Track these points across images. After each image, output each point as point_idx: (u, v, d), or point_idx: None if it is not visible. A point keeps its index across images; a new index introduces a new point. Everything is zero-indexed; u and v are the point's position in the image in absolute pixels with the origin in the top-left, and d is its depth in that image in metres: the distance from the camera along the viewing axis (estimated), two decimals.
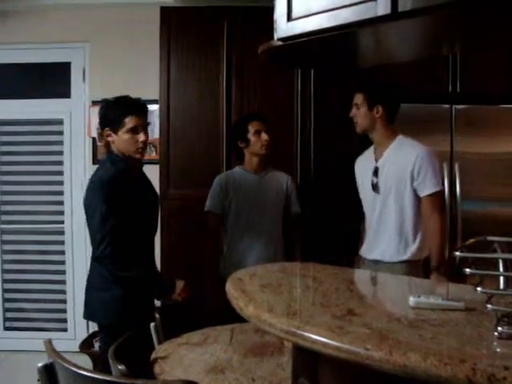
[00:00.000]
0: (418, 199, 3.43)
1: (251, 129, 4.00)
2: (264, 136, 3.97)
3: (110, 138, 3.28)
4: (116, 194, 3.11)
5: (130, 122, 3.22)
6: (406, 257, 3.44)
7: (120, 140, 3.24)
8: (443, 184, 3.85)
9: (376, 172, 3.52)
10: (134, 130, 3.24)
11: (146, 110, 3.37)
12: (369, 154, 3.69)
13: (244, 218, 4.00)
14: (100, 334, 3.46)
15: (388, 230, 3.48)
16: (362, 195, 3.73)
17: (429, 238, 3.43)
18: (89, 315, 3.39)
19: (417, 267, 3.43)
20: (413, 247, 3.45)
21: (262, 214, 4.00)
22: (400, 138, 3.54)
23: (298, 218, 4.16)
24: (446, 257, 3.63)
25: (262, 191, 4.01)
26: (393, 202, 3.45)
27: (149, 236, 3.48)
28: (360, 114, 3.55)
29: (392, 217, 3.46)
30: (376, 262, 3.50)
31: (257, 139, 3.99)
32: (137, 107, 3.31)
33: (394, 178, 3.45)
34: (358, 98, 3.56)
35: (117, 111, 3.25)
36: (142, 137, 3.26)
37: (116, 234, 3.11)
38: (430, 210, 3.41)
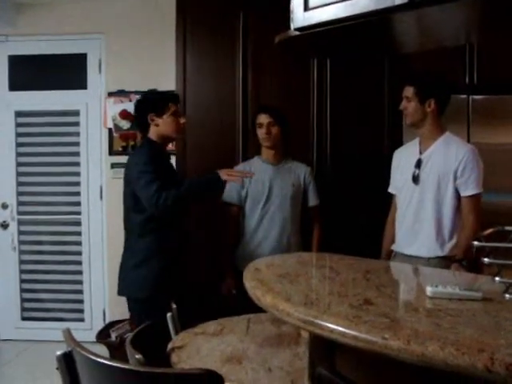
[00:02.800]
0: (457, 197, 3.40)
1: (256, 122, 4.04)
2: (263, 129, 4.00)
3: (154, 122, 3.63)
4: (157, 167, 3.47)
5: (173, 106, 3.67)
6: (443, 253, 3.41)
7: (165, 122, 3.64)
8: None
9: (419, 164, 3.47)
10: (176, 114, 3.69)
11: (179, 99, 3.86)
12: (412, 146, 3.62)
13: (259, 208, 4.00)
14: (134, 309, 3.64)
15: (425, 225, 3.44)
16: (397, 187, 3.68)
17: (461, 233, 3.40)
18: (125, 290, 3.61)
19: (447, 263, 3.38)
20: (450, 244, 3.42)
21: (277, 204, 3.99)
22: (448, 135, 3.50)
23: (315, 210, 4.16)
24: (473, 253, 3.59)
25: (278, 182, 4.00)
26: (431, 195, 3.41)
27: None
28: (411, 108, 3.47)
29: (429, 212, 3.42)
30: (412, 258, 3.44)
31: (259, 132, 4.03)
32: (176, 96, 3.84)
33: (436, 173, 3.40)
34: (409, 91, 3.48)
35: (162, 98, 3.71)
36: (182, 119, 3.76)
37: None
38: (467, 211, 3.39)
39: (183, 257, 3.76)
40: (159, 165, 3.52)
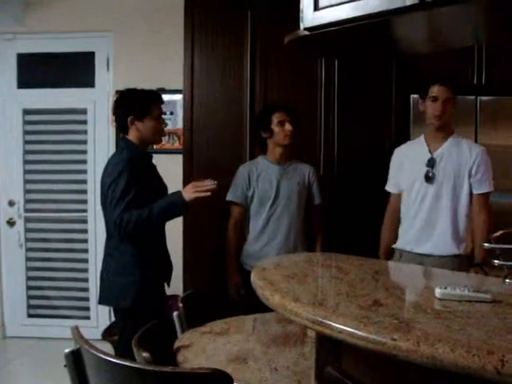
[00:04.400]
0: (471, 195, 3.48)
1: (275, 119, 3.97)
2: (288, 126, 3.94)
3: (133, 126, 3.36)
4: (135, 175, 3.23)
5: (155, 109, 3.40)
6: (458, 251, 3.46)
7: (146, 127, 3.37)
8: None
9: (431, 163, 3.50)
10: (158, 118, 3.43)
11: (162, 100, 3.55)
12: (417, 144, 3.65)
13: (267, 207, 4.00)
14: (117, 318, 3.52)
15: (441, 222, 3.48)
16: (402, 186, 3.69)
17: (475, 233, 3.47)
18: (106, 300, 3.45)
19: (465, 261, 3.46)
20: (465, 242, 3.49)
21: (284, 204, 3.99)
22: (456, 135, 3.57)
23: (319, 209, 4.16)
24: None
25: (285, 182, 4.00)
26: (447, 194, 3.46)
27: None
28: (450, 109, 3.50)
29: (445, 210, 3.47)
30: (423, 256, 3.49)
31: (280, 130, 3.96)
32: (159, 96, 3.50)
33: (452, 171, 3.46)
34: (448, 92, 3.48)
35: (143, 100, 3.39)
36: (164, 123, 3.50)
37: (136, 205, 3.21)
38: (479, 208, 3.47)
39: (164, 266, 3.55)
40: (137, 171, 3.26)
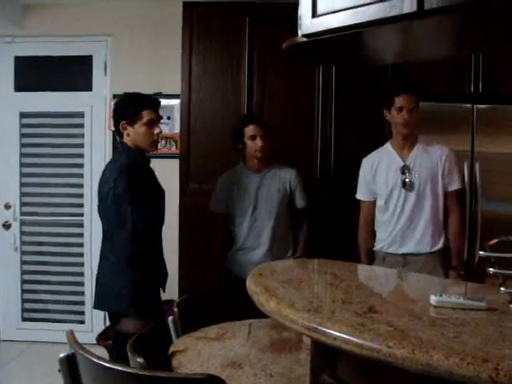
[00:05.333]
0: (444, 193, 3.64)
1: (247, 133, 3.96)
2: (258, 142, 3.92)
3: (126, 131, 3.37)
4: (133, 181, 3.22)
5: (146, 115, 3.35)
6: (439, 246, 3.63)
7: (136, 133, 3.35)
8: (464, 183, 4.02)
9: (405, 170, 3.63)
10: (150, 123, 3.37)
11: (159, 105, 3.50)
12: (385, 153, 3.76)
13: (248, 216, 4.00)
14: (112, 322, 3.49)
15: (423, 222, 3.62)
16: (382, 192, 3.74)
17: (451, 232, 3.67)
18: (101, 305, 3.44)
19: (443, 256, 3.65)
20: (443, 237, 3.65)
21: (264, 213, 3.98)
22: (420, 140, 3.70)
23: (302, 212, 4.15)
24: (464, 257, 3.94)
25: (264, 190, 3.99)
26: (428, 196, 3.61)
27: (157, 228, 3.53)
28: (415, 118, 3.62)
29: (426, 211, 3.61)
30: (406, 256, 3.64)
31: (252, 143, 3.95)
32: (152, 101, 3.46)
33: (427, 175, 3.61)
34: (413, 101, 3.60)
35: (134, 105, 3.37)
36: (157, 129, 3.41)
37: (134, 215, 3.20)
38: (453, 203, 3.68)
39: (160, 271, 3.56)
40: (135, 174, 3.26)
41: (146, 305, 3.31)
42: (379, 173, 3.74)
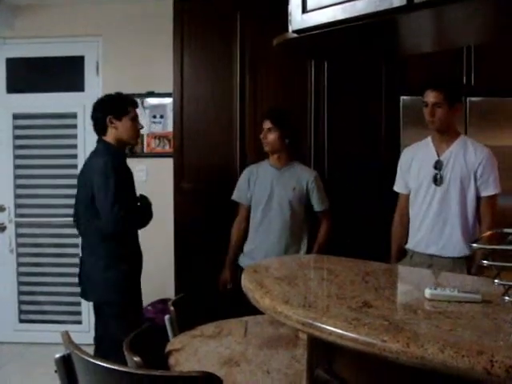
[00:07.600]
0: (478, 198, 3.50)
1: (264, 127, 4.09)
2: (265, 136, 4.07)
3: (112, 125, 3.63)
4: (117, 176, 3.48)
5: (132, 110, 3.71)
6: (468, 252, 3.46)
7: (123, 126, 3.65)
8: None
9: (438, 165, 3.54)
10: (135, 118, 3.71)
11: (137, 105, 3.88)
12: (425, 146, 3.67)
13: (260, 210, 4.06)
14: (101, 311, 3.68)
15: (450, 225, 3.51)
16: (410, 187, 3.72)
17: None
18: (95, 295, 3.65)
19: (471, 262, 3.46)
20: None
21: (276, 209, 4.02)
22: (463, 137, 3.62)
23: (321, 215, 4.17)
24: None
25: (280, 186, 4.04)
26: (455, 196, 3.49)
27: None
28: (441, 114, 3.51)
29: (454, 212, 3.50)
30: (434, 257, 3.54)
31: (264, 137, 4.08)
32: (133, 100, 3.82)
33: (458, 174, 3.49)
34: (437, 97, 3.50)
35: (120, 101, 3.71)
36: (140, 125, 3.78)
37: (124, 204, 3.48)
38: (485, 210, 3.51)
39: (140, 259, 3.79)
40: (119, 172, 3.51)
41: (136, 293, 3.62)
42: (414, 165, 3.68)
